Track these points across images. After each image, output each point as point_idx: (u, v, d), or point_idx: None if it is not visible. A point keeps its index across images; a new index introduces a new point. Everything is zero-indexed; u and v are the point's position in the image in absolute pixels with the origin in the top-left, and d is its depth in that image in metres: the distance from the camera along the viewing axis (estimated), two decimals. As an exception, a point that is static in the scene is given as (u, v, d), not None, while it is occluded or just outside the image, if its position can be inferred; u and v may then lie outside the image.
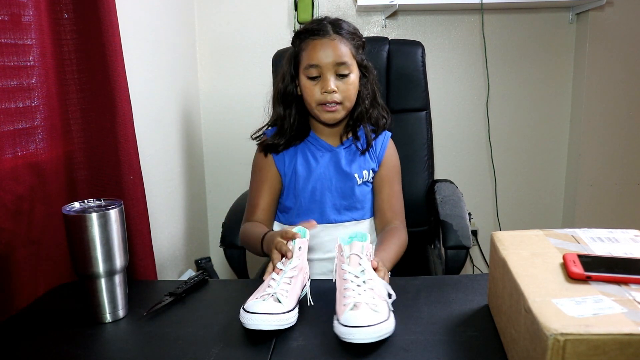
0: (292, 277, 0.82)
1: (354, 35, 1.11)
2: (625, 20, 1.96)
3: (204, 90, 2.05)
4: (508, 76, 2.05)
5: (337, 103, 1.08)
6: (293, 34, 1.15)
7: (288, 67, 1.14)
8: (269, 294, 0.78)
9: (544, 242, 0.75)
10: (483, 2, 1.86)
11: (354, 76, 1.10)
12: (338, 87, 1.07)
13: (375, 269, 0.84)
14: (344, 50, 1.07)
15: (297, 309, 0.79)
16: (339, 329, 0.71)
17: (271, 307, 0.75)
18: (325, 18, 1.12)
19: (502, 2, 1.92)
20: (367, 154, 1.17)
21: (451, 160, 2.11)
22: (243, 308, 0.76)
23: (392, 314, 0.75)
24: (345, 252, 0.83)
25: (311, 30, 1.09)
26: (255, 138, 1.22)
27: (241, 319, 0.75)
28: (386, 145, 1.19)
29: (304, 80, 1.10)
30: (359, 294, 0.75)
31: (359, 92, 1.13)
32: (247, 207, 1.19)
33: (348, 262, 0.81)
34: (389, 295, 0.81)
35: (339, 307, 0.75)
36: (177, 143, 1.78)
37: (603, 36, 1.96)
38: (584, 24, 1.97)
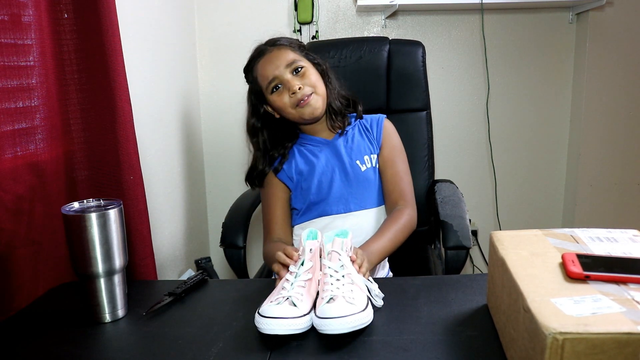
0: (307, 280, 0.81)
1: (290, 41, 1.19)
2: (625, 20, 1.96)
3: (204, 90, 2.05)
4: (508, 76, 2.05)
5: (308, 95, 1.12)
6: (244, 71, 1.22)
7: (251, 102, 1.22)
8: (283, 297, 0.76)
9: (543, 242, 0.75)
10: (483, 2, 1.86)
11: (309, 67, 1.16)
12: (301, 83, 1.12)
13: (352, 262, 0.87)
14: (288, 53, 1.15)
15: (313, 313, 0.77)
16: (315, 321, 0.73)
17: (286, 310, 0.73)
18: (261, 42, 1.19)
19: (502, 2, 1.92)
20: (367, 138, 1.20)
21: (451, 160, 2.11)
22: (258, 312, 0.74)
23: (369, 307, 0.76)
24: (326, 249, 0.86)
25: (254, 57, 1.18)
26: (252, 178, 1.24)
27: (256, 324, 0.74)
28: (382, 126, 1.21)
29: (272, 98, 1.15)
30: (337, 288, 0.77)
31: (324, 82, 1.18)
32: (264, 226, 1.20)
33: (329, 259, 0.83)
34: (369, 290, 0.82)
35: (318, 301, 0.76)
36: (177, 143, 1.79)
37: (603, 36, 1.96)
38: (584, 24, 1.97)
